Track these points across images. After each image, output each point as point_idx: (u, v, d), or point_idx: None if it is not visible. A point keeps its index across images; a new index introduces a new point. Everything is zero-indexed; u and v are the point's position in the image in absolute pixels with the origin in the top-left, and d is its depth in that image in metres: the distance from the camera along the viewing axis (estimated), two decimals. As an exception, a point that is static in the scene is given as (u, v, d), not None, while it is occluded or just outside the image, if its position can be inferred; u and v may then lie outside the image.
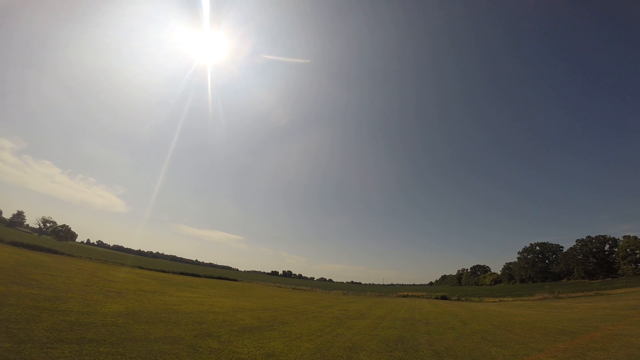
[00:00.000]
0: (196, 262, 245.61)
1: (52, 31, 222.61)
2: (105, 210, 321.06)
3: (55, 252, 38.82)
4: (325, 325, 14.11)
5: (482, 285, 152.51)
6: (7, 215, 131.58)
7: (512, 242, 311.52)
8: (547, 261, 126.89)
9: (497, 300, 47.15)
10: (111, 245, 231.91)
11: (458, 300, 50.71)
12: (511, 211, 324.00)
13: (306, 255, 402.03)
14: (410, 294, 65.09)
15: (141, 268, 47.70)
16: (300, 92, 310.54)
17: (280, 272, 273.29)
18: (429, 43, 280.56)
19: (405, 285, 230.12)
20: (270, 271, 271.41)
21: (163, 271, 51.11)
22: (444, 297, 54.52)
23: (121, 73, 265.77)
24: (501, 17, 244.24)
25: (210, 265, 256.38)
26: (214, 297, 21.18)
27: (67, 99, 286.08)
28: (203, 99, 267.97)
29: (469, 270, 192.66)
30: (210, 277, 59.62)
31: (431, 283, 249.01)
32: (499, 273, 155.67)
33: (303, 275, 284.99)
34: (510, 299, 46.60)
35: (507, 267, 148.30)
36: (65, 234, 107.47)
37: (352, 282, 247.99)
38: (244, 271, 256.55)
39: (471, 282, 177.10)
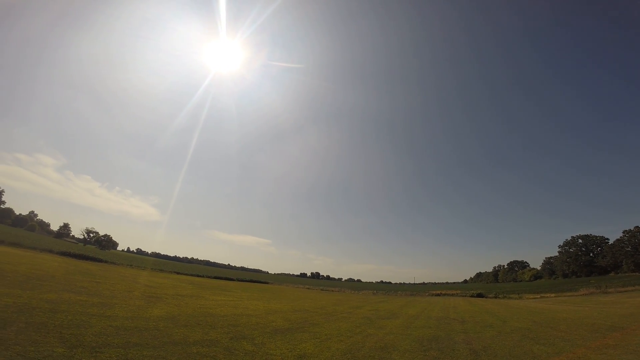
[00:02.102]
0: (228, 266, 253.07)
1: (86, 49, 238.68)
2: (142, 220, 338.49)
3: (100, 261, 41.58)
4: (355, 326, 14.08)
5: (521, 281, 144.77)
6: (54, 227, 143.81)
7: (550, 236, 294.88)
8: (591, 254, 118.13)
9: (538, 296, 44.75)
10: (149, 252, 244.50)
11: (495, 297, 48.66)
12: (546, 205, 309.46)
13: (333, 256, 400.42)
14: (443, 292, 63.33)
15: (178, 273, 49.93)
16: (315, 94, 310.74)
17: (309, 274, 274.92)
18: (445, 43, 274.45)
19: (438, 283, 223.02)
20: (298, 273, 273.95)
21: (198, 276, 53.24)
22: (480, 295, 52.57)
23: (148, 87, 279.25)
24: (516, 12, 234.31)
25: (242, 268, 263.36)
26: (247, 300, 21.76)
27: (99, 114, 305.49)
28: (220, 107, 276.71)
29: (505, 266, 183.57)
30: (242, 280, 61.25)
31: (465, 281, 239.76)
32: (539, 268, 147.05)
33: (331, 277, 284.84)
34: (553, 295, 44.09)
35: (548, 262, 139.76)
36: (107, 243, 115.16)
37: (382, 281, 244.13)
38: (274, 274, 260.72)
39: (509, 278, 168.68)
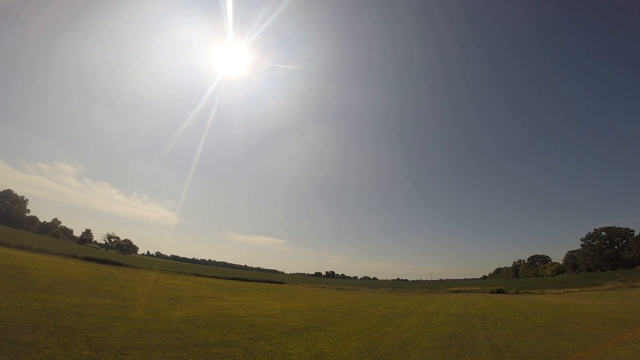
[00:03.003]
0: (245, 267, 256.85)
1: (97, 56, 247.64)
2: (160, 224, 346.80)
3: (121, 265, 42.83)
4: (372, 324, 14.03)
5: (543, 276, 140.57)
6: (77, 233, 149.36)
7: (572, 229, 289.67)
8: (616, 247, 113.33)
9: (562, 291, 43.43)
10: (168, 255, 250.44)
11: (516, 293, 47.47)
12: (565, 199, 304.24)
13: (347, 254, 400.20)
14: (462, 289, 62.21)
15: (196, 275, 50.88)
16: (323, 94, 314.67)
17: (324, 273, 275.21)
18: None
19: (456, 280, 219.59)
20: (313, 272, 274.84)
21: (216, 277, 54.13)
22: (500, 291, 51.44)
23: (159, 92, 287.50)
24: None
25: (258, 269, 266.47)
26: (264, 301, 21.99)
27: (113, 120, 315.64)
28: (227, 110, 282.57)
29: (526, 261, 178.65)
30: (258, 281, 61.89)
31: (485, 277, 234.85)
32: (561, 262, 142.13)
33: (346, 275, 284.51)
34: (577, 290, 42.68)
35: (570, 256, 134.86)
36: (128, 247, 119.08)
37: (398, 279, 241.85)
38: (289, 274, 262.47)
39: (530, 273, 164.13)
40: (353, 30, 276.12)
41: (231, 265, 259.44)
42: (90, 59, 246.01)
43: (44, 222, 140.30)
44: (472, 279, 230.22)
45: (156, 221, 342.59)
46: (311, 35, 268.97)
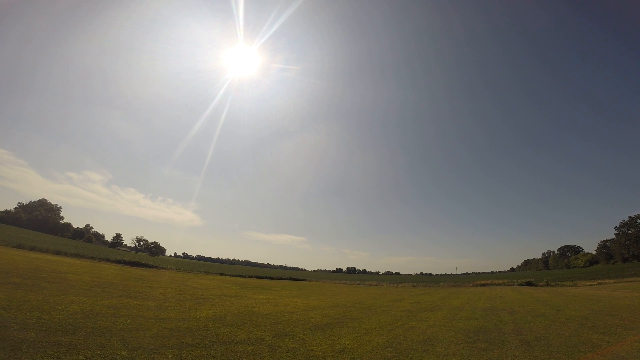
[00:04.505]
0: (268, 265, 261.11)
1: (118, 66, 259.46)
2: (185, 226, 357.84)
3: (151, 266, 44.72)
4: (395, 319, 13.96)
5: (575, 267, 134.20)
6: (108, 237, 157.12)
7: (604, 218, 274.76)
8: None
9: (596, 283, 41.44)
10: (194, 256, 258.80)
11: (547, 285, 45.74)
12: (595, 187, 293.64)
13: (368, 250, 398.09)
14: (489, 282, 60.59)
15: (222, 275, 52.33)
16: (339, 92, 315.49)
17: (345, 269, 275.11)
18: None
19: (482, 273, 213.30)
20: (334, 269, 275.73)
21: (240, 276, 55.44)
22: (529, 283, 49.75)
23: (173, 97, 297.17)
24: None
25: (280, 267, 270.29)
26: (287, 298, 22.33)
27: (134, 128, 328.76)
28: (239, 111, 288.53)
29: (556, 252, 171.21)
30: (281, 278, 62.86)
31: (512, 269, 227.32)
32: (594, 253, 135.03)
33: (367, 270, 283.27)
34: (612, 281, 40.62)
35: (604, 246, 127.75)
36: (156, 249, 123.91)
37: (422, 273, 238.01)
38: (310, 271, 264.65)
39: (560, 265, 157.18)
40: (362, 29, 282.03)
41: (254, 264, 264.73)
42: (111, 68, 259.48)
43: (78, 228, 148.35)
44: (500, 271, 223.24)
45: (181, 223, 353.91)
46: (321, 36, 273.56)
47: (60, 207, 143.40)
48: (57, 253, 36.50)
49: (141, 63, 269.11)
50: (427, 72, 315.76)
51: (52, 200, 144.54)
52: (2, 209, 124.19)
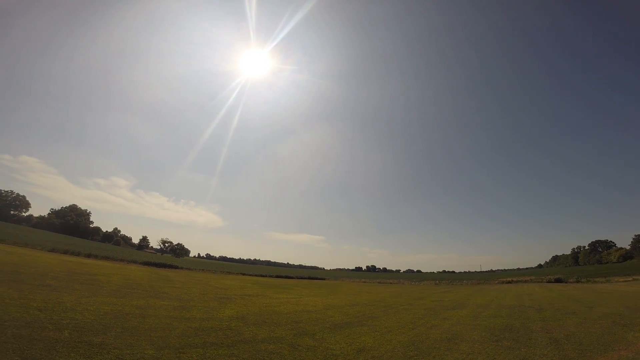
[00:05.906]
0: (288, 265, 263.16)
1: (136, 74, 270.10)
2: (207, 227, 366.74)
3: (176, 267, 46.20)
4: (417, 318, 13.75)
5: (607, 263, 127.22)
6: (135, 240, 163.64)
7: (635, 213, 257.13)
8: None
9: (630, 279, 39.31)
10: (217, 256, 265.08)
11: (577, 282, 43.74)
12: (625, 181, 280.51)
13: (388, 247, 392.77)
14: (515, 279, 58.62)
15: (244, 274, 53.34)
16: (348, 92, 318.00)
17: (364, 268, 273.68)
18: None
19: (508, 270, 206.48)
20: (354, 267, 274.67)
21: (261, 275, 56.32)
22: (558, 280, 47.66)
23: (189, 102, 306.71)
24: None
25: (300, 266, 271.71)
26: (307, 297, 22.46)
27: (154, 132, 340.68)
28: (253, 111, 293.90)
29: (587, 247, 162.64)
30: (301, 277, 63.28)
31: (540, 265, 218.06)
32: (628, 247, 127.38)
33: (388, 269, 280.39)
34: (651, 275, 38.19)
35: (639, 240, 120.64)
36: (180, 251, 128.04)
37: (444, 271, 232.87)
38: (330, 269, 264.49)
39: (592, 260, 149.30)
40: (369, 30, 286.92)
41: (275, 264, 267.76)
42: (127, 73, 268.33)
43: (106, 231, 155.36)
44: (526, 268, 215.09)
45: (204, 225, 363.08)
46: (329, 38, 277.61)
47: (89, 212, 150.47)
48: (88, 256, 38.36)
49: (159, 67, 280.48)
50: (443, 63, 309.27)
51: (82, 205, 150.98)
52: (37, 215, 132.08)
